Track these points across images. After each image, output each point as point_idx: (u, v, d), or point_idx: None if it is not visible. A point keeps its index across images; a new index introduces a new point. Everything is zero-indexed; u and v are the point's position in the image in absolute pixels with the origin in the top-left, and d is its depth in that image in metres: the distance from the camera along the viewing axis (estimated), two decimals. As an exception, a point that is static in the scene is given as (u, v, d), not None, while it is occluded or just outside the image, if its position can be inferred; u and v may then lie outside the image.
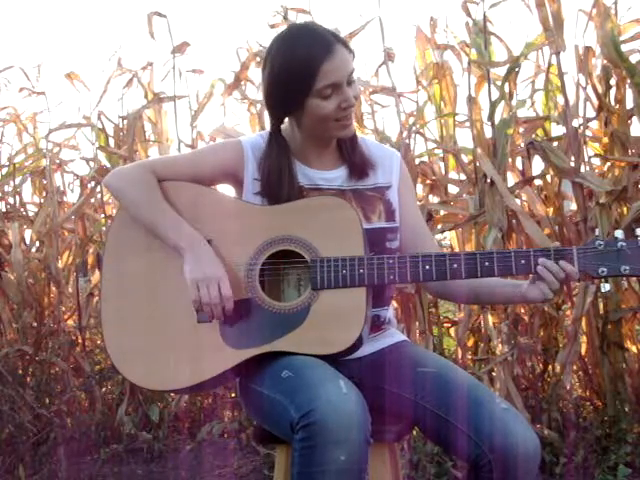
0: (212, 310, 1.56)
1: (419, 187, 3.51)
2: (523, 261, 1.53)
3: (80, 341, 3.91)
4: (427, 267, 1.54)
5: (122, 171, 1.73)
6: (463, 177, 3.45)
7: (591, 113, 3.15)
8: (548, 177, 3.27)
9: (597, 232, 1.57)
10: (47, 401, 3.65)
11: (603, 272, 1.51)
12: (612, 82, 3.06)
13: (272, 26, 3.49)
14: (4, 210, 4.21)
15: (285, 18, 3.44)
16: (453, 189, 3.55)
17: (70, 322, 4.03)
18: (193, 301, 1.57)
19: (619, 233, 1.52)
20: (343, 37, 1.67)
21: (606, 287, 1.55)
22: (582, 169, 3.04)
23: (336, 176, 1.71)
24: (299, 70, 1.57)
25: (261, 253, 1.59)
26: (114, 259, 1.68)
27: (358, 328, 1.51)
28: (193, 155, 1.86)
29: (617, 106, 3.07)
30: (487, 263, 1.53)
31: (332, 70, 1.56)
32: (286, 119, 1.70)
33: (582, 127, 3.13)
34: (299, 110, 1.62)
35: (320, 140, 1.70)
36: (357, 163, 1.71)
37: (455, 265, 1.54)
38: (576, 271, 1.51)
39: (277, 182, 1.65)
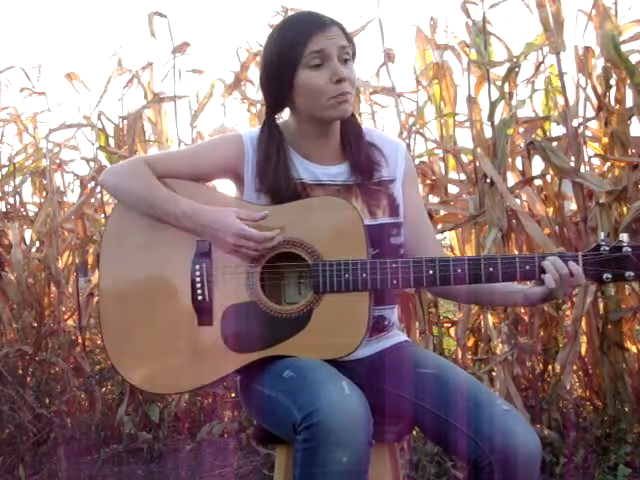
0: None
1: (419, 187, 3.51)
2: (528, 267, 1.50)
3: (80, 341, 3.90)
4: (430, 272, 1.52)
5: (116, 167, 1.70)
6: (463, 177, 3.45)
7: (591, 113, 3.15)
8: (548, 177, 3.27)
9: (602, 235, 1.53)
10: (47, 401, 3.65)
11: (608, 278, 1.49)
12: (612, 82, 3.06)
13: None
14: (4, 210, 4.21)
15: (285, 18, 3.44)
16: (453, 189, 3.55)
17: (70, 322, 4.02)
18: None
19: (624, 237, 1.49)
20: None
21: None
22: (582, 169, 3.04)
23: (340, 171, 1.67)
24: (290, 42, 1.58)
25: (262, 255, 1.57)
26: (111, 259, 1.64)
27: (360, 334, 1.51)
28: (191, 150, 1.80)
29: (617, 106, 3.07)
30: (491, 269, 1.51)
31: (322, 39, 1.56)
32: (285, 117, 1.69)
33: (582, 127, 3.13)
34: (291, 89, 1.59)
35: (319, 125, 1.64)
36: (361, 163, 1.66)
37: (459, 270, 1.51)
38: (581, 272, 1.48)
39: (267, 169, 1.62)
